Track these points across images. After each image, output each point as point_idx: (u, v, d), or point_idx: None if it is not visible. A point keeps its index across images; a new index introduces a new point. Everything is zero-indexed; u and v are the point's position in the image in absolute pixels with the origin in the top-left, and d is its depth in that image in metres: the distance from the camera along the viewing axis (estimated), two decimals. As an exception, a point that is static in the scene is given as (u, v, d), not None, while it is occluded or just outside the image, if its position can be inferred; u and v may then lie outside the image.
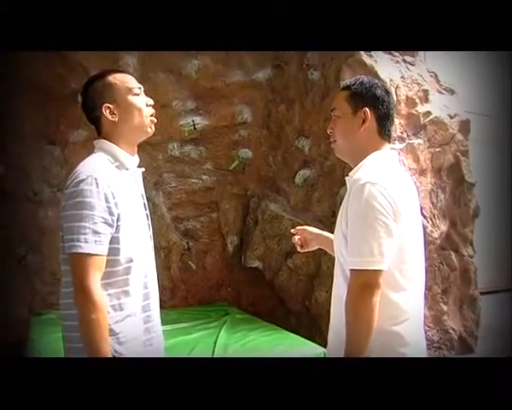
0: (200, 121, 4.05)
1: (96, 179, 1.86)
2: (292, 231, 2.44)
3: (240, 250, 4.23)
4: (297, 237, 2.39)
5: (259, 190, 4.18)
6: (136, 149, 2.09)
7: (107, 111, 1.99)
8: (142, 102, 2.04)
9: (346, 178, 2.15)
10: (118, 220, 1.90)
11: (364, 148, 2.07)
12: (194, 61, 3.91)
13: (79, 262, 1.84)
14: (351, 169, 3.34)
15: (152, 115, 2.06)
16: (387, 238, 1.90)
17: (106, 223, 1.87)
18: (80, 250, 1.83)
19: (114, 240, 1.90)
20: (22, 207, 3.79)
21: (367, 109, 2.06)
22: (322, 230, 3.58)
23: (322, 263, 3.66)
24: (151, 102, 2.07)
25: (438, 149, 3.68)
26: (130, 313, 1.94)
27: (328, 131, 2.21)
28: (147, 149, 3.90)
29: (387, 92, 2.13)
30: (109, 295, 1.90)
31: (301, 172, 3.89)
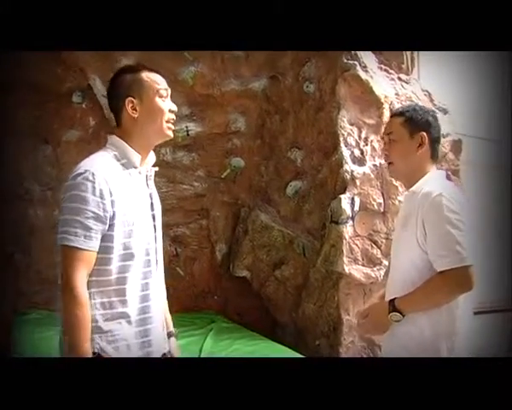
0: (193, 128, 4.04)
1: (93, 174, 1.86)
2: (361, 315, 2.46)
3: (228, 259, 4.23)
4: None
5: (250, 200, 4.18)
6: (150, 149, 2.09)
7: (130, 105, 1.99)
8: (166, 106, 2.04)
9: (406, 193, 2.40)
10: (112, 218, 1.89)
11: (419, 169, 2.31)
12: (190, 68, 3.90)
13: (67, 255, 1.83)
14: (343, 183, 3.43)
15: (171, 121, 2.06)
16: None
17: (97, 219, 1.85)
18: (69, 243, 1.82)
19: (107, 238, 1.88)
20: (12, 205, 3.76)
21: (424, 134, 2.30)
22: (313, 242, 3.64)
23: (310, 275, 3.66)
24: (174, 108, 2.07)
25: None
26: (123, 313, 1.91)
27: (384, 154, 2.53)
28: (139, 153, 3.89)
29: (436, 119, 2.38)
30: (100, 292, 1.88)
31: (293, 184, 3.89)
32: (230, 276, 4.19)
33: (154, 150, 3.85)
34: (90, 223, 1.84)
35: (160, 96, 2.03)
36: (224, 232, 4.24)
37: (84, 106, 3.97)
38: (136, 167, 2.02)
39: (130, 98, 1.99)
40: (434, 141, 2.34)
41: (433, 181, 2.26)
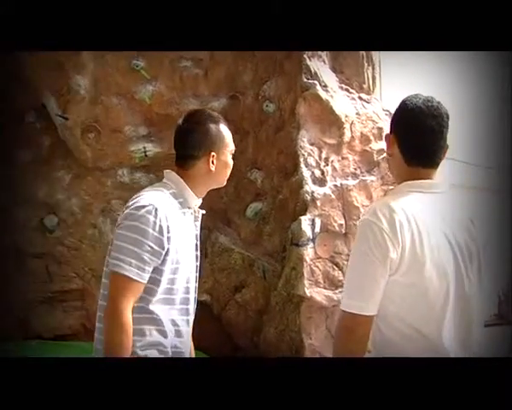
0: (151, 148, 3.94)
1: (156, 209, 1.97)
2: None
3: (188, 283, 4.13)
4: None
5: (210, 222, 4.08)
6: (204, 194, 2.23)
7: (211, 159, 2.13)
8: (231, 161, 2.22)
9: None
10: (166, 254, 2.00)
11: (397, 180, 1.99)
12: (148, 87, 3.84)
13: (118, 282, 1.94)
14: (304, 204, 3.39)
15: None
16: (372, 280, 1.74)
17: (153, 254, 1.96)
18: (123, 272, 1.92)
19: (157, 271, 2.00)
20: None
21: (390, 135, 1.96)
22: (273, 264, 3.58)
23: (271, 299, 3.60)
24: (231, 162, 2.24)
25: (391, 187, 3.68)
26: (159, 343, 2.02)
27: None
28: (96, 175, 3.81)
29: (405, 110, 1.96)
30: (141, 318, 1.98)
31: (253, 205, 3.84)
32: (190, 300, 4.09)
33: (111, 172, 3.79)
34: (146, 256, 1.94)
35: (230, 152, 2.21)
36: (183, 255, 4.15)
37: (37, 125, 3.87)
38: (190, 208, 2.15)
39: (213, 154, 2.14)
40: (401, 139, 1.88)
41: (390, 195, 1.94)
